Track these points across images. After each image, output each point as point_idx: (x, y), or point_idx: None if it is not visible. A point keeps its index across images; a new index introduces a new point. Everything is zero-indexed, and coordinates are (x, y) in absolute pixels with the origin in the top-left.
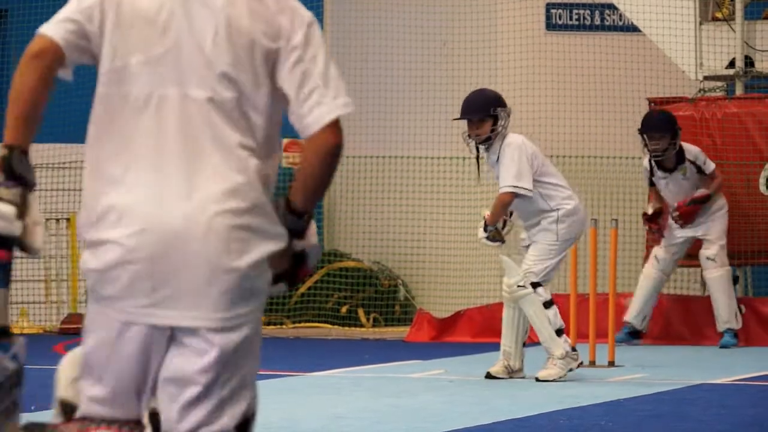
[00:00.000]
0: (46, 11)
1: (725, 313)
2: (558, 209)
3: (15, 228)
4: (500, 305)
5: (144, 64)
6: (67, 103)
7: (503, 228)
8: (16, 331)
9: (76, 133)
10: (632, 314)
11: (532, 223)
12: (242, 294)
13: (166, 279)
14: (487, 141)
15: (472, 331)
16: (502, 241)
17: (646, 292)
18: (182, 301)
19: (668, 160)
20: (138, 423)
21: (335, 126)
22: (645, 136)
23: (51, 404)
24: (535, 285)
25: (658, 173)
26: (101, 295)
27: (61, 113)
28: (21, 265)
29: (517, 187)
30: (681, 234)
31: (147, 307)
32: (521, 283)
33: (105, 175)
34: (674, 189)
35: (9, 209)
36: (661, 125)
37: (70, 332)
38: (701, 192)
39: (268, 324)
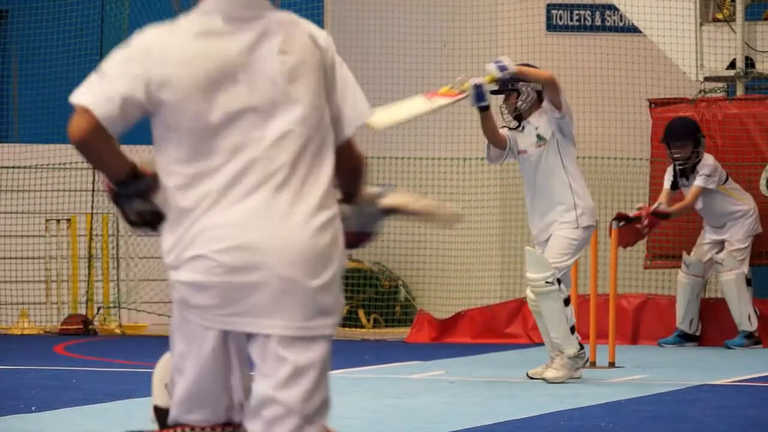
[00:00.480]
0: (46, 12)
1: (737, 315)
2: (576, 193)
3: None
4: (501, 306)
5: (224, 116)
6: (66, 105)
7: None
8: (16, 331)
9: None
10: (678, 320)
11: (550, 205)
12: (316, 313)
13: (248, 292)
14: (517, 116)
15: (472, 331)
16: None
17: (684, 298)
18: (265, 312)
19: (690, 168)
20: (228, 424)
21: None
22: (669, 144)
23: (52, 405)
24: (558, 281)
25: (681, 180)
26: (191, 305)
27: (62, 114)
28: (21, 266)
29: (566, 111)
30: (709, 238)
31: (230, 315)
32: (550, 279)
33: (193, 212)
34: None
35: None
36: (682, 133)
37: (71, 333)
38: (663, 209)
39: None
